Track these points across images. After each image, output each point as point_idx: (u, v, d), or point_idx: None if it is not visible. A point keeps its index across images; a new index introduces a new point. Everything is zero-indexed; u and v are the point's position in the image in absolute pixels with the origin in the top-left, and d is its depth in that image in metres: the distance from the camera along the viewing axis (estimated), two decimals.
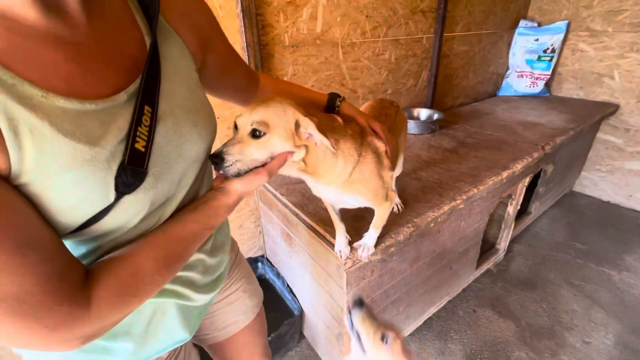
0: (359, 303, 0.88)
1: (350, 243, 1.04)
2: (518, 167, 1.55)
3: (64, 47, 0.40)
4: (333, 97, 0.76)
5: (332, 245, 1.08)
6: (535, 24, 2.67)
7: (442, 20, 2.02)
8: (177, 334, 0.63)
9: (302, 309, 1.54)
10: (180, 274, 0.58)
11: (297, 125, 0.63)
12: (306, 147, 0.66)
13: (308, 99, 0.80)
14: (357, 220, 1.17)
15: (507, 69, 2.86)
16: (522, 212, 2.27)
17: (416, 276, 1.39)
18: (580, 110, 2.34)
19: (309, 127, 0.62)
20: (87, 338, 0.41)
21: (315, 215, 1.20)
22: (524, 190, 1.86)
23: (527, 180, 1.84)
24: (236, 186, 0.59)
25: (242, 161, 0.60)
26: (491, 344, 1.61)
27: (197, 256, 0.62)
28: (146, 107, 0.45)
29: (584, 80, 2.59)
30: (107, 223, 0.44)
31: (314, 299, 1.37)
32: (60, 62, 0.40)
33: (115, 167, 0.41)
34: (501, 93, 2.85)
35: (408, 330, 1.60)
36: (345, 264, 1.03)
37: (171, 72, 0.50)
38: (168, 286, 0.57)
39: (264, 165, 0.62)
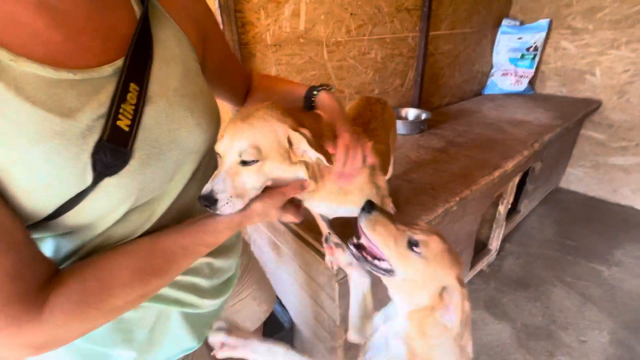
0: (368, 206, 0.59)
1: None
2: (509, 165, 1.52)
3: (47, 13, 0.37)
4: (310, 90, 0.69)
5: (322, 256, 1.01)
6: (518, 23, 2.68)
7: (427, 18, 1.99)
8: (184, 342, 0.58)
9: (292, 321, 1.47)
10: (181, 278, 0.53)
11: (290, 142, 0.55)
12: (305, 163, 0.59)
13: (289, 93, 0.72)
14: (346, 227, 1.10)
15: (492, 67, 2.86)
16: (511, 211, 2.25)
17: None
18: (564, 107, 2.35)
19: (300, 144, 0.55)
20: (37, 347, 0.36)
21: (303, 225, 1.13)
22: (514, 189, 1.84)
23: (517, 179, 1.82)
24: (255, 206, 0.54)
25: (239, 195, 0.53)
26: (488, 347, 1.57)
27: (202, 259, 0.56)
28: (132, 85, 0.42)
29: (567, 78, 2.62)
30: (87, 210, 0.40)
31: (305, 311, 1.30)
32: (40, 28, 0.37)
33: (92, 144, 0.38)
34: (487, 92, 2.86)
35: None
36: (337, 275, 0.96)
37: (165, 56, 0.48)
38: (168, 292, 0.52)
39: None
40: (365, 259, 0.60)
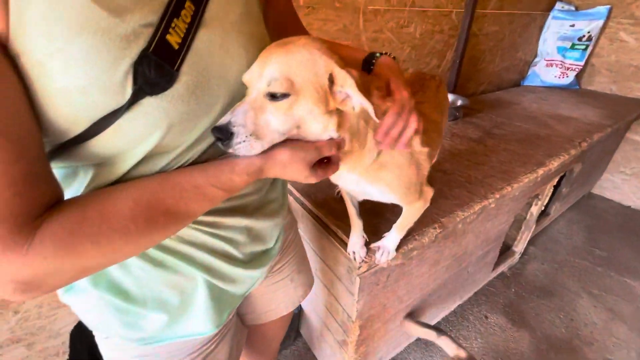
0: None
1: (367, 244, 0.87)
2: (554, 164, 1.36)
3: None
4: (371, 55, 0.57)
5: (343, 244, 0.91)
6: (573, 8, 2.42)
7: None
8: (202, 321, 0.54)
9: (300, 306, 1.39)
10: (216, 242, 0.50)
11: (331, 80, 0.44)
12: (340, 116, 0.48)
13: (348, 56, 0.61)
14: (375, 216, 0.99)
15: (535, 56, 2.62)
16: (540, 213, 2.11)
17: (433, 281, 1.23)
18: (614, 106, 2.14)
19: (346, 84, 0.44)
20: (22, 285, 0.32)
21: (324, 206, 1.03)
22: (551, 190, 1.69)
23: (555, 180, 1.66)
24: (275, 151, 0.45)
25: (259, 136, 0.43)
26: (504, 355, 1.48)
27: (236, 222, 0.52)
28: (188, 3, 0.39)
29: (620, 74, 2.37)
30: (122, 133, 0.36)
31: (316, 299, 1.22)
32: None
33: (135, 51, 0.34)
34: (526, 83, 2.63)
35: (413, 337, 1.46)
36: (359, 267, 0.86)
37: None
38: (199, 255, 0.49)
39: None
40: None
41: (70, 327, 1.13)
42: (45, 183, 0.34)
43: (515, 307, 1.70)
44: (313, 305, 1.28)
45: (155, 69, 0.35)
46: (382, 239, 0.86)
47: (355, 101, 0.45)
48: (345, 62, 0.47)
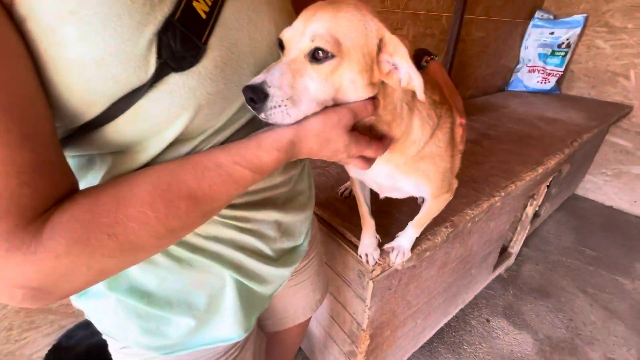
0: None
1: (380, 245, 0.82)
2: (551, 162, 1.37)
3: None
4: (421, 53, 0.53)
5: (353, 247, 0.85)
6: (552, 16, 2.52)
7: None
8: (231, 325, 0.49)
9: None
10: (245, 237, 0.46)
11: (379, 48, 0.39)
12: (381, 91, 0.43)
13: None
14: (384, 217, 0.94)
15: (518, 62, 2.71)
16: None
17: (440, 283, 1.19)
18: (595, 109, 2.21)
19: (397, 51, 0.39)
20: (31, 290, 0.27)
21: (329, 207, 0.97)
22: (545, 190, 1.71)
23: (549, 180, 1.68)
24: (311, 123, 0.39)
25: (294, 101, 0.37)
26: (509, 359, 1.44)
27: (266, 215, 0.48)
28: None
29: (597, 79, 2.48)
30: (144, 115, 0.32)
31: (320, 309, 1.14)
32: None
33: (160, 18, 0.30)
34: (511, 88, 2.70)
35: (420, 343, 1.40)
36: (372, 270, 0.80)
37: None
38: (228, 252, 0.45)
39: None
40: None
41: (43, 352, 1.00)
42: (58, 172, 0.29)
43: (515, 309, 1.69)
44: (315, 316, 1.20)
45: (182, 40, 0.31)
46: (396, 239, 0.81)
47: (404, 73, 0.40)
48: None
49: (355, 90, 0.40)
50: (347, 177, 1.13)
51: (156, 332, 0.45)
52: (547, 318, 1.65)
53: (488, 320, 1.62)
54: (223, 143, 0.40)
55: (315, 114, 0.40)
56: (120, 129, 0.33)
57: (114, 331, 0.46)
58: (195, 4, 0.32)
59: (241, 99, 0.38)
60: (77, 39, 0.27)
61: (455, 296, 1.41)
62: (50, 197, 0.28)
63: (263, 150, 0.36)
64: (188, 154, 0.37)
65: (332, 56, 0.38)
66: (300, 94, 0.38)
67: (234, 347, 0.54)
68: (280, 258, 0.54)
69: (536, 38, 2.54)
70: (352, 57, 0.38)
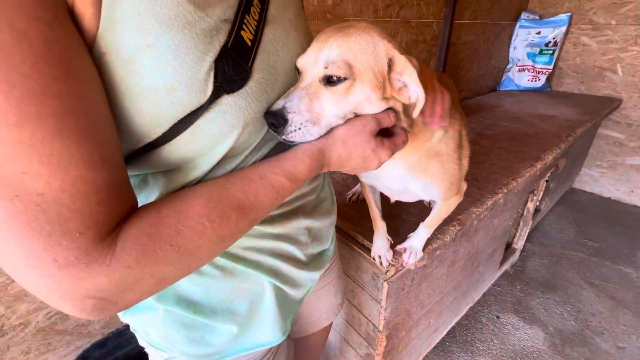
0: None
1: (392, 246, 0.84)
2: (549, 158, 1.41)
3: None
4: None
5: (366, 250, 0.87)
6: (537, 17, 2.60)
7: (453, 3, 1.88)
8: (271, 329, 0.53)
9: None
10: (279, 245, 0.50)
11: (390, 67, 0.42)
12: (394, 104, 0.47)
13: None
14: (393, 219, 0.97)
15: (508, 62, 2.78)
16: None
17: (450, 282, 1.21)
18: (586, 104, 2.27)
19: (405, 71, 0.42)
20: (101, 300, 0.29)
21: (339, 213, 0.99)
22: (544, 185, 1.74)
23: (548, 175, 1.72)
24: (337, 131, 0.44)
25: (314, 121, 0.41)
26: (522, 354, 1.46)
27: (297, 222, 0.52)
28: (255, 0, 0.38)
29: (586, 75, 2.54)
30: (200, 134, 0.35)
31: None
32: None
33: (217, 47, 0.34)
34: (502, 87, 2.77)
35: (433, 343, 1.42)
36: (386, 272, 0.83)
37: None
38: (264, 259, 0.49)
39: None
40: None
41: None
42: (126, 191, 0.32)
43: (524, 304, 1.70)
44: None
45: (233, 65, 0.35)
46: (408, 239, 0.84)
47: (412, 91, 0.44)
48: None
49: (370, 104, 0.44)
50: (353, 183, 1.16)
51: (201, 341, 0.47)
52: (556, 311, 1.67)
53: (498, 317, 1.64)
54: (271, 151, 0.45)
55: (339, 125, 0.43)
56: (177, 149, 0.36)
57: (161, 342, 0.48)
58: (242, 33, 0.36)
59: None
60: (152, 68, 0.31)
61: (465, 294, 1.43)
62: (121, 214, 0.30)
63: (297, 160, 0.41)
64: (234, 169, 0.41)
65: (345, 79, 0.41)
66: (319, 115, 0.41)
67: (268, 353, 0.56)
68: (311, 262, 0.57)
69: (524, 38, 2.62)
70: (364, 77, 0.42)
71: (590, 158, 2.66)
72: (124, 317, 0.49)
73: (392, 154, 0.47)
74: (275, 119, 0.39)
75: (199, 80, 0.33)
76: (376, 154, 0.45)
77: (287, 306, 0.55)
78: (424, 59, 1.98)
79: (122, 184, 0.31)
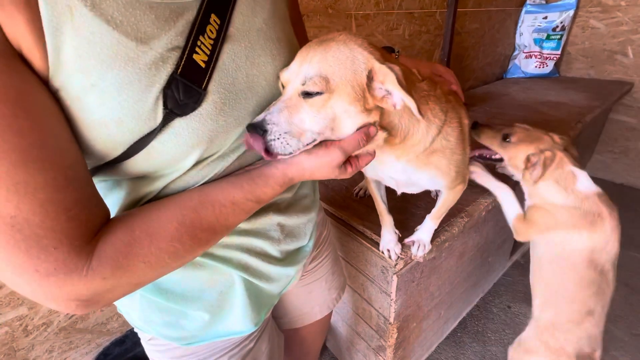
0: (474, 124, 0.97)
1: (400, 239, 0.85)
2: None
3: None
4: (388, 50, 0.58)
5: (375, 244, 0.88)
6: (543, 1, 2.54)
7: None
8: (241, 319, 0.54)
9: None
10: (250, 240, 0.51)
11: (370, 77, 0.43)
12: (381, 112, 0.47)
13: None
14: (399, 212, 0.98)
15: (514, 49, 2.73)
16: None
17: (459, 273, 1.21)
18: (596, 89, 2.22)
19: (386, 80, 0.43)
20: (82, 302, 0.33)
21: (347, 209, 1.00)
22: None
23: None
24: (299, 159, 0.44)
25: (293, 134, 0.42)
26: None
27: (268, 219, 0.52)
28: (213, 16, 0.38)
29: (596, 59, 2.48)
30: (156, 153, 0.38)
31: (344, 307, 1.18)
32: None
33: (164, 76, 0.35)
34: (509, 75, 2.72)
35: (445, 334, 1.43)
36: (395, 265, 0.83)
37: None
38: (235, 255, 0.50)
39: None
40: (485, 158, 1.02)
41: None
42: (95, 205, 0.35)
43: None
44: (340, 314, 1.23)
45: (184, 90, 0.36)
46: (416, 232, 0.84)
47: (397, 98, 0.44)
48: (383, 52, 0.47)
49: (349, 117, 0.45)
50: (360, 178, 1.17)
51: (175, 325, 0.51)
52: None
53: (509, 307, 1.63)
54: (242, 154, 0.46)
55: (310, 152, 0.45)
56: (137, 164, 0.39)
57: (142, 324, 0.53)
58: (195, 56, 0.37)
59: (242, 127, 0.43)
60: (98, 104, 0.33)
61: (475, 285, 1.43)
62: (93, 226, 0.34)
63: (269, 187, 0.44)
64: (209, 171, 0.43)
65: (322, 92, 0.42)
66: (298, 127, 0.43)
67: (247, 339, 0.59)
68: (285, 258, 0.58)
69: (530, 24, 2.56)
70: (342, 90, 0.43)
71: (602, 144, 2.61)
72: None
73: (354, 173, 0.50)
74: (255, 130, 0.41)
75: (146, 110, 0.35)
76: (338, 177, 0.48)
77: (260, 299, 0.56)
78: (428, 50, 1.96)
79: (90, 199, 0.34)
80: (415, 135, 0.53)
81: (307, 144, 0.44)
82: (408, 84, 0.44)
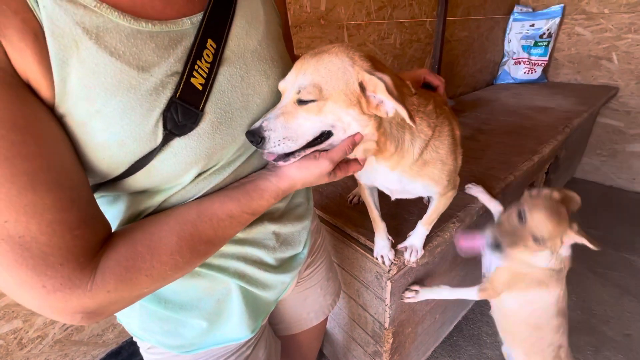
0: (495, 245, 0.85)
1: (394, 245, 0.87)
2: (546, 150, 1.43)
3: None
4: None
5: (369, 250, 0.90)
6: (530, 9, 2.61)
7: (444, 2, 1.90)
8: (238, 326, 0.56)
9: None
10: (246, 249, 0.53)
11: (363, 87, 0.45)
12: (378, 121, 0.49)
13: None
14: (392, 219, 0.99)
15: (503, 56, 2.79)
16: None
17: (453, 277, 1.23)
18: (583, 94, 2.28)
19: (377, 89, 0.45)
20: (87, 314, 0.35)
21: (341, 216, 1.02)
22: (544, 177, 1.76)
23: (547, 167, 1.73)
24: (291, 171, 0.48)
25: (291, 138, 0.45)
26: None
27: (263, 228, 0.54)
28: (210, 41, 0.40)
29: (582, 64, 2.55)
30: (156, 171, 0.40)
31: (340, 313, 1.19)
32: None
33: (164, 100, 0.37)
34: (499, 81, 2.78)
35: (440, 338, 1.44)
36: (389, 270, 0.85)
37: (247, 14, 0.46)
38: (231, 264, 0.52)
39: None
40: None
41: None
42: (98, 223, 0.37)
43: None
44: (337, 321, 1.24)
45: (182, 112, 0.38)
46: (408, 238, 0.86)
47: (389, 106, 0.47)
48: (376, 62, 0.49)
49: (353, 119, 0.48)
50: (353, 185, 1.18)
51: (175, 333, 0.52)
52: None
53: None
54: (242, 165, 0.48)
55: (301, 164, 0.48)
56: (138, 181, 0.41)
57: (141, 333, 0.54)
58: (192, 80, 0.39)
59: (237, 143, 0.45)
60: (102, 129, 0.35)
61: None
62: (97, 243, 0.36)
63: (264, 200, 0.47)
64: (208, 183, 0.45)
65: (316, 100, 0.45)
66: (296, 132, 0.46)
67: (245, 346, 0.60)
68: (281, 265, 0.59)
69: (518, 31, 2.63)
70: (336, 98, 0.46)
71: (591, 147, 2.67)
72: None
73: (341, 177, 0.52)
74: (253, 137, 0.44)
75: (147, 132, 0.37)
76: (329, 181, 0.51)
77: (257, 306, 0.58)
78: (419, 58, 2.00)
79: (93, 218, 0.36)
80: (403, 146, 0.55)
81: (305, 146, 0.47)
82: (400, 94, 0.46)
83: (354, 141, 0.49)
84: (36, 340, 1.00)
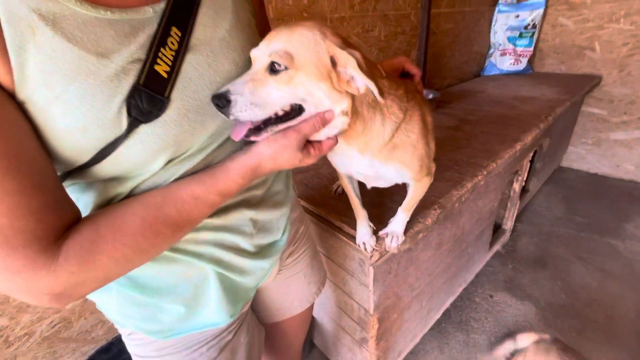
0: None
1: (375, 232, 0.88)
2: (529, 138, 1.45)
3: None
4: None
5: (352, 238, 0.91)
6: (515, 0, 2.64)
7: None
8: (216, 312, 0.56)
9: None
10: (222, 235, 0.53)
11: (334, 62, 0.46)
12: (351, 98, 0.50)
13: None
14: (375, 207, 1.01)
15: (489, 48, 2.82)
16: (521, 190, 2.22)
17: (438, 264, 1.25)
18: (567, 83, 2.32)
19: (348, 64, 0.46)
20: (55, 295, 0.36)
21: (324, 206, 1.03)
22: (529, 166, 1.79)
23: (531, 155, 1.76)
24: (259, 147, 0.47)
25: (259, 105, 0.45)
26: (515, 329, 1.51)
27: (241, 214, 0.54)
28: (174, 29, 0.41)
29: (566, 54, 2.59)
30: (123, 158, 0.40)
31: (327, 302, 1.20)
32: None
33: (126, 87, 0.37)
34: (485, 73, 2.81)
35: (428, 324, 1.46)
36: (371, 257, 0.87)
37: (215, 2, 0.46)
38: (207, 249, 0.52)
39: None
40: None
41: None
42: (63, 208, 0.37)
43: (516, 282, 1.76)
44: (325, 310, 1.26)
45: (147, 99, 0.38)
46: (389, 225, 0.87)
47: (359, 82, 0.47)
48: (349, 42, 0.50)
49: (324, 94, 0.47)
50: (337, 176, 1.20)
51: (153, 319, 0.53)
52: (547, 287, 1.72)
53: (491, 296, 1.69)
54: (210, 155, 0.47)
55: (269, 139, 0.47)
56: (106, 168, 0.41)
57: (118, 318, 0.54)
58: (157, 67, 0.39)
59: (208, 130, 0.45)
60: (63, 115, 0.35)
61: (456, 276, 1.48)
62: (61, 227, 0.36)
63: (230, 180, 0.46)
64: (178, 169, 0.45)
65: (287, 68, 0.45)
66: (264, 100, 0.45)
67: (226, 331, 0.60)
68: (260, 252, 0.60)
69: (503, 22, 2.65)
70: (307, 69, 0.45)
71: (576, 136, 2.71)
72: (90, 297, 0.53)
73: (319, 158, 0.52)
74: (219, 100, 0.43)
75: (109, 119, 0.37)
76: (303, 162, 0.50)
77: (235, 291, 0.58)
78: (405, 50, 2.01)
79: (58, 202, 0.37)
80: (373, 127, 0.56)
81: (273, 117, 0.47)
82: (370, 72, 0.47)
83: (324, 117, 0.49)
84: (23, 337, 1.00)
